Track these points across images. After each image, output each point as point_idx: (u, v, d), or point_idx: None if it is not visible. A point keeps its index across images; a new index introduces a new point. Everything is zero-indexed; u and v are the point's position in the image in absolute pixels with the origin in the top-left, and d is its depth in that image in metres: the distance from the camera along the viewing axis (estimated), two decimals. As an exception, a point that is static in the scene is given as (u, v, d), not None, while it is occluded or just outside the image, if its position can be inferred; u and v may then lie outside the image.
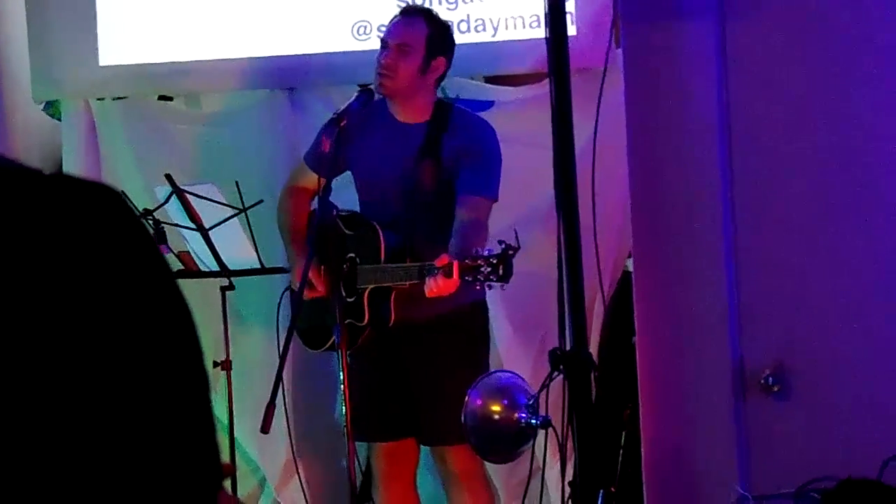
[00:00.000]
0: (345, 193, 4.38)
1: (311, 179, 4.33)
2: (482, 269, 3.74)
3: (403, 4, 4.83)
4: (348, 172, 4.37)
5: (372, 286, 4.10)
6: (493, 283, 3.76)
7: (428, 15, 4.32)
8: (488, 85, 5.24)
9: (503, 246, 3.74)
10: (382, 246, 4.12)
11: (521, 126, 4.72)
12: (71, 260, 1.07)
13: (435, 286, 3.82)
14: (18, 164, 1.11)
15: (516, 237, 3.73)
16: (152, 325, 1.09)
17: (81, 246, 1.08)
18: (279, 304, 4.43)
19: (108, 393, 1.06)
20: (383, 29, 4.55)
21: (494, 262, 3.73)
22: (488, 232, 4.12)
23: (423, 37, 4.20)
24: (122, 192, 1.14)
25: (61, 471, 1.05)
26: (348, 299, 4.14)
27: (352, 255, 4.18)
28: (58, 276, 1.06)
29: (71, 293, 1.06)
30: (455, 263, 3.76)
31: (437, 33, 4.24)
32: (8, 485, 1.04)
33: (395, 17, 4.33)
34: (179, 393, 1.10)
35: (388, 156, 4.24)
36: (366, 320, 4.13)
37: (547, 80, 3.41)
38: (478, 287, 3.78)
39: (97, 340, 1.06)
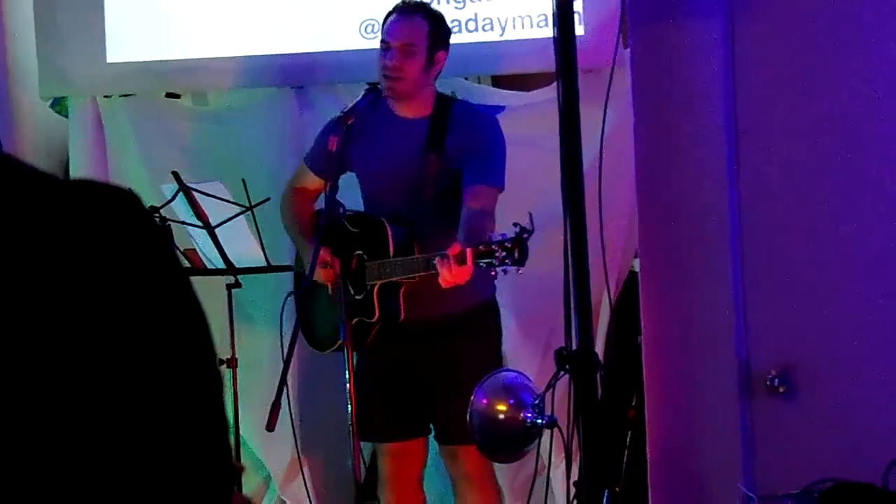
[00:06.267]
0: (348, 194, 4.37)
1: (313, 180, 4.35)
2: (497, 253, 3.71)
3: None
4: (351, 175, 4.34)
5: (380, 282, 4.09)
6: (508, 268, 3.72)
7: (426, 9, 4.26)
8: (498, 89, 5.23)
9: (517, 229, 3.71)
10: (391, 240, 4.10)
11: (530, 130, 4.72)
12: (91, 264, 1.08)
13: (449, 275, 3.77)
14: (37, 169, 1.12)
15: (531, 220, 3.70)
16: (167, 327, 1.10)
17: (100, 250, 1.09)
18: (283, 305, 4.40)
19: (123, 392, 1.07)
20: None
21: (509, 245, 3.70)
22: (495, 222, 4.11)
23: (425, 34, 4.17)
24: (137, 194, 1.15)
25: (76, 469, 1.05)
26: (356, 297, 4.13)
27: (359, 252, 4.16)
28: (78, 279, 1.07)
29: (89, 294, 1.07)
30: (469, 250, 3.73)
31: (437, 28, 4.21)
32: (21, 483, 1.04)
33: (392, 14, 4.24)
34: (193, 394, 1.11)
35: (391, 151, 4.22)
36: (376, 316, 4.12)
37: (556, 84, 3.40)
38: (493, 273, 3.74)
39: (113, 341, 1.07)
